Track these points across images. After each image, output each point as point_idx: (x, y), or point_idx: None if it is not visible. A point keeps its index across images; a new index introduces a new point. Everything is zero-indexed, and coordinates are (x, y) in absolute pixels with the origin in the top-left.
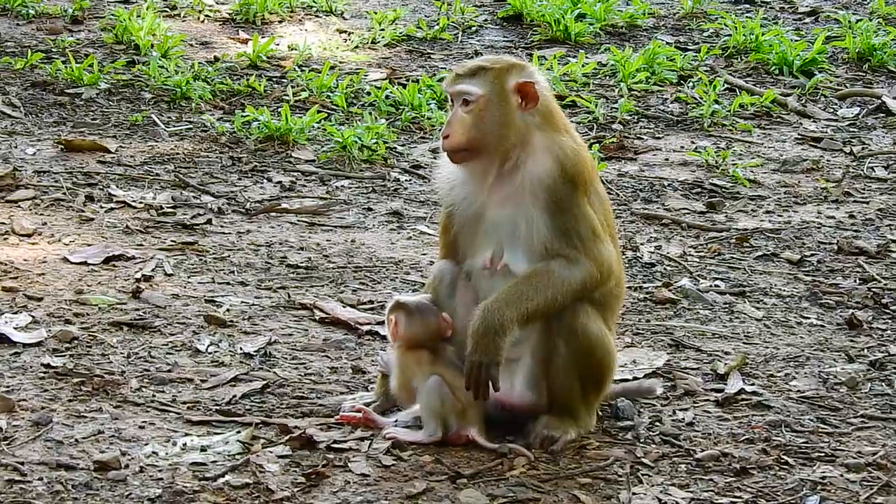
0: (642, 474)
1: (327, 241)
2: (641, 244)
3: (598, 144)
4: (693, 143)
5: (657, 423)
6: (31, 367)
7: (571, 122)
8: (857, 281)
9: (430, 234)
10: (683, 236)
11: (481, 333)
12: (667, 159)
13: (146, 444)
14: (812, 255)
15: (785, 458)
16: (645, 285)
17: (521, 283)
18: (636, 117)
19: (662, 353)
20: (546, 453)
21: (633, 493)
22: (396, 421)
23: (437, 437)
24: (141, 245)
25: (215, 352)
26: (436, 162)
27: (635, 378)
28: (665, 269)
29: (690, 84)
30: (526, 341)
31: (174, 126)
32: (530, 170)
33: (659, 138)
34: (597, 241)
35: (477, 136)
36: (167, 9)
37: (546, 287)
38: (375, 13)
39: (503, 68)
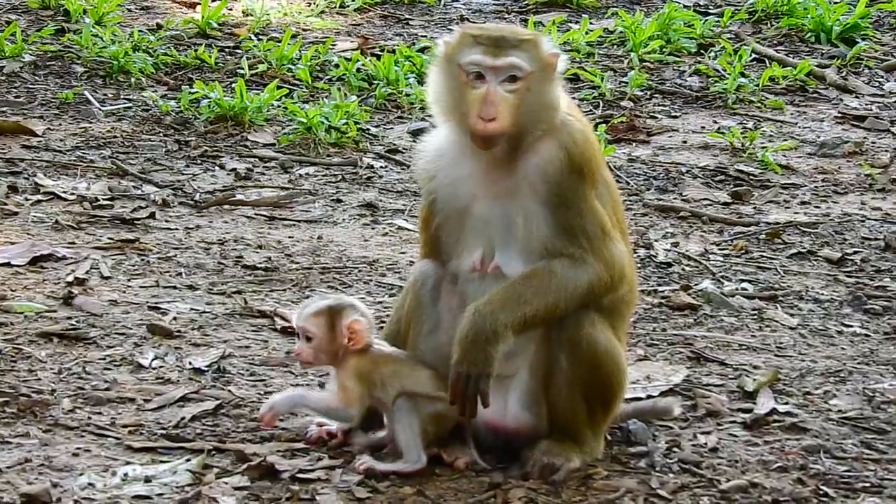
0: None
1: (290, 237)
2: (656, 241)
3: (604, 124)
4: (715, 122)
5: (675, 449)
6: None
7: (574, 98)
8: None
9: (409, 230)
10: (705, 231)
11: (470, 340)
12: (685, 142)
13: (81, 475)
14: (855, 252)
15: (824, 488)
16: (660, 289)
17: (517, 283)
18: (649, 93)
19: (681, 368)
20: (546, 484)
21: None
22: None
23: (422, 466)
24: (73, 243)
25: (160, 367)
26: (415, 146)
27: (650, 397)
28: (684, 269)
29: (712, 54)
30: (522, 354)
31: (110, 105)
32: (532, 157)
33: (675, 117)
34: (606, 240)
35: (522, 120)
36: None
37: (547, 290)
38: None
39: (538, 40)
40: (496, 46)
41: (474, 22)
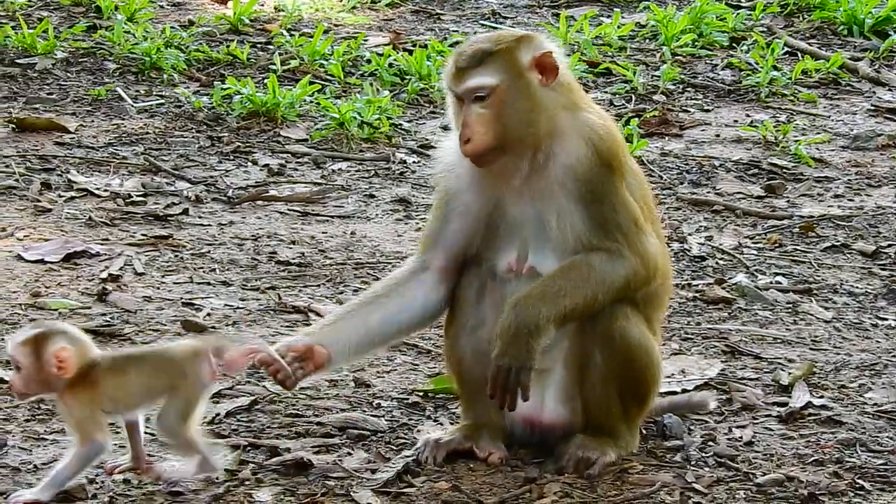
0: (694, 502)
1: (323, 233)
2: (689, 235)
3: (637, 118)
4: (748, 116)
5: (711, 443)
6: None
7: (606, 92)
8: None
9: None
10: (738, 225)
11: (512, 333)
12: (717, 135)
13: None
14: (889, 245)
15: (860, 482)
16: (694, 282)
17: (556, 277)
18: (681, 87)
19: (716, 362)
20: (582, 478)
21: None
22: None
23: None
24: (107, 240)
25: None
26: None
27: (684, 391)
28: (717, 263)
29: (744, 47)
30: (556, 349)
31: (143, 101)
32: (559, 157)
33: (708, 111)
34: (640, 233)
35: (503, 132)
36: None
37: (586, 283)
38: None
39: (512, 46)
40: (458, 70)
41: (503, 17)
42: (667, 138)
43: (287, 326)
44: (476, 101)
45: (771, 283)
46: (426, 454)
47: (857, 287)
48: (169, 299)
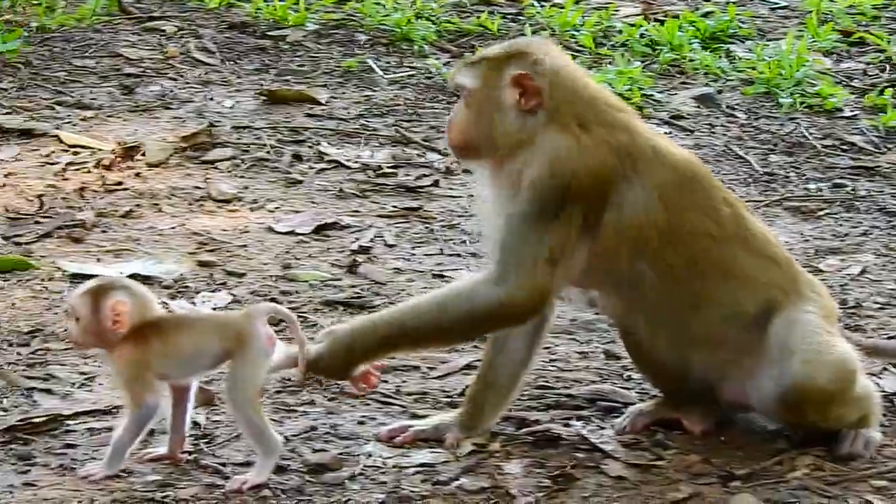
0: None
1: None
2: None
3: (891, 88)
4: None
5: None
6: None
7: (860, 62)
8: None
9: None
10: None
11: (322, 366)
12: None
13: (366, 443)
14: None
15: None
16: None
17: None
18: None
19: None
20: (852, 459)
21: None
22: None
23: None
24: (357, 211)
25: None
26: (700, 111)
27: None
28: None
29: None
30: None
31: (393, 72)
32: (525, 174)
33: None
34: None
35: (471, 135)
36: None
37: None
38: None
39: (500, 58)
40: (462, 63)
41: None
42: None
43: None
44: (462, 98)
45: None
46: (629, 422)
47: None
48: (419, 271)
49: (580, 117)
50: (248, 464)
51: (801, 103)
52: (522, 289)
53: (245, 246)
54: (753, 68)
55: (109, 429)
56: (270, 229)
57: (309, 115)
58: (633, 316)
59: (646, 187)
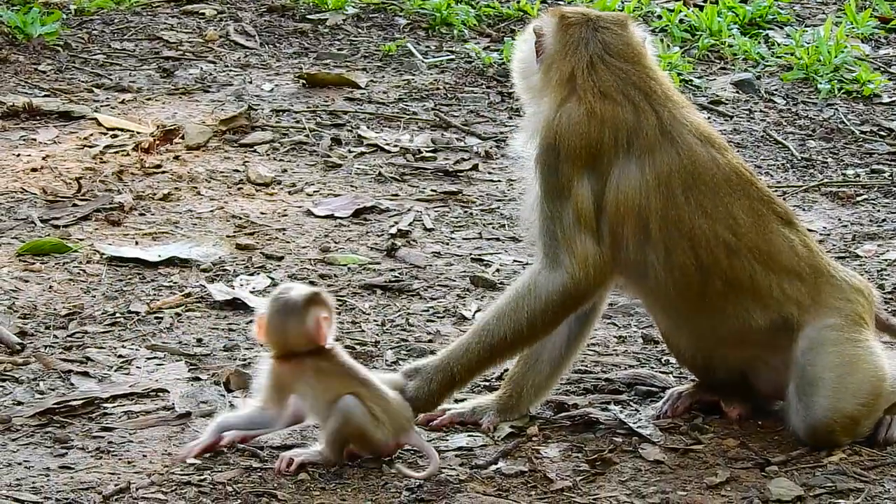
0: None
1: None
2: None
3: None
4: None
5: None
6: None
7: None
8: None
9: None
10: None
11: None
12: None
13: None
14: None
15: None
16: None
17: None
18: None
19: None
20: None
21: None
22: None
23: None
24: (396, 195)
25: None
26: (738, 97)
27: None
28: None
29: None
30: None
31: (433, 56)
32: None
33: None
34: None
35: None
36: None
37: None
38: None
39: (540, 14)
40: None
41: None
42: None
43: None
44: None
45: None
46: (668, 405)
47: None
48: (458, 255)
49: (577, 82)
50: (284, 447)
51: (840, 89)
52: (576, 265)
53: (284, 229)
54: (792, 54)
55: (146, 412)
56: (309, 213)
57: (348, 99)
58: (652, 309)
59: (643, 168)
